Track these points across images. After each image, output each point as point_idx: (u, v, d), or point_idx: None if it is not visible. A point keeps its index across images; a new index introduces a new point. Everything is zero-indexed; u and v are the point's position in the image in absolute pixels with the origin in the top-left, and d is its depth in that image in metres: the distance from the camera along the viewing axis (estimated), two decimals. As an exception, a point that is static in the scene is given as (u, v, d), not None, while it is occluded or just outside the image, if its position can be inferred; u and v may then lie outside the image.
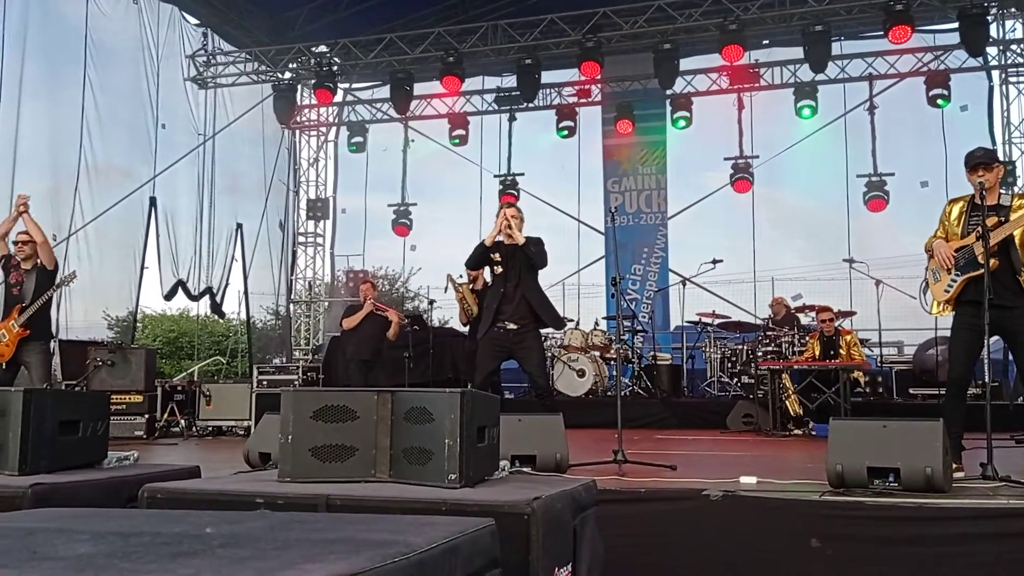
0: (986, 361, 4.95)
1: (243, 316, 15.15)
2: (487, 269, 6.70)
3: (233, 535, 1.88)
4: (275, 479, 3.10)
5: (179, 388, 9.87)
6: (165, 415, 9.37)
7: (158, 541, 1.79)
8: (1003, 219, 4.65)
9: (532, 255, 5.99)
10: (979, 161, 4.73)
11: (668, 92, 13.35)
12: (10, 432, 3.35)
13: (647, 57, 12.28)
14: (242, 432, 9.12)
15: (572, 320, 12.33)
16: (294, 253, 15.63)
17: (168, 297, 13.18)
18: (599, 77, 13.11)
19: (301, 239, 15.76)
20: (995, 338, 4.79)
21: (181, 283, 13.04)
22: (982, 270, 4.47)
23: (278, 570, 1.49)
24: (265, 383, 9.61)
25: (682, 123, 13.56)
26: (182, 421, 9.46)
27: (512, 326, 5.90)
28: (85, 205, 11.15)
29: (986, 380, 4.94)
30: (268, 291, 15.35)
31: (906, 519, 3.65)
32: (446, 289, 9.53)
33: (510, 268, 6.01)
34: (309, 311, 15.80)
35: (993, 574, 3.52)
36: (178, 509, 2.68)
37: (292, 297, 15.61)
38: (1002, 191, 4.88)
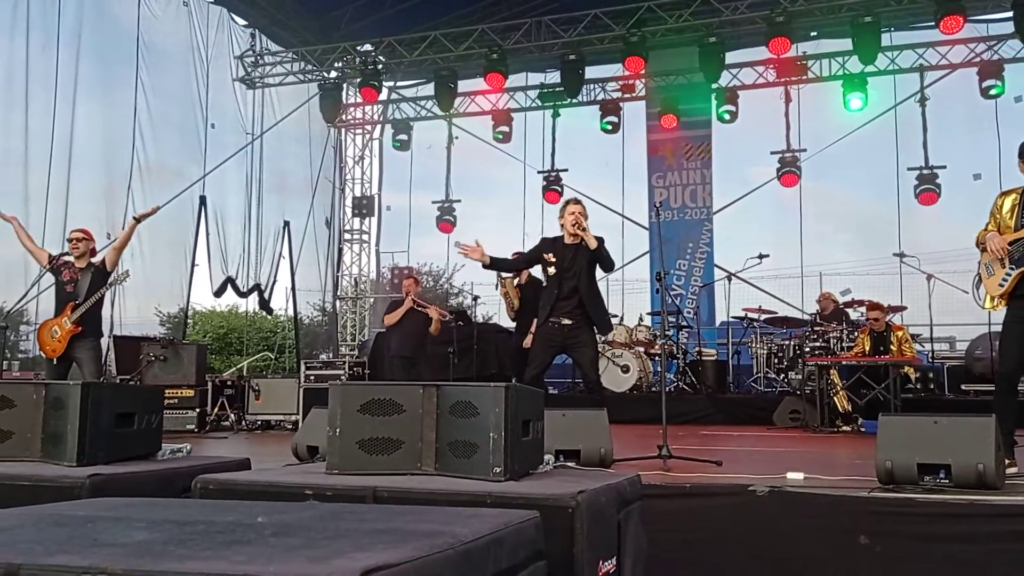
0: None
1: (290, 312, 15.42)
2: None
3: (284, 525, 1.93)
4: (323, 471, 3.15)
5: (229, 383, 10.06)
6: (215, 409, 9.56)
7: (212, 530, 1.84)
8: (1060, 211, 4.54)
9: (603, 259, 5.88)
10: None
11: (713, 86, 13.22)
12: (68, 424, 3.46)
13: (692, 51, 12.17)
14: (290, 426, 9.28)
15: (616, 316, 12.29)
16: (340, 250, 15.83)
17: (218, 294, 13.45)
18: (643, 72, 13.04)
19: (347, 236, 15.95)
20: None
21: (230, 280, 13.29)
22: (1038, 263, 4.37)
23: (328, 558, 1.53)
24: (312, 378, 9.74)
25: (727, 117, 13.44)
26: (232, 415, 9.64)
27: (567, 321, 5.87)
28: (138, 204, 11.40)
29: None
30: (315, 288, 15.58)
31: (957, 516, 3.59)
32: (497, 286, 9.52)
33: (568, 268, 5.90)
34: (355, 307, 15.98)
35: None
36: (230, 500, 2.74)
37: (338, 294, 15.81)
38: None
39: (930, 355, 11.23)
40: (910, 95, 13.23)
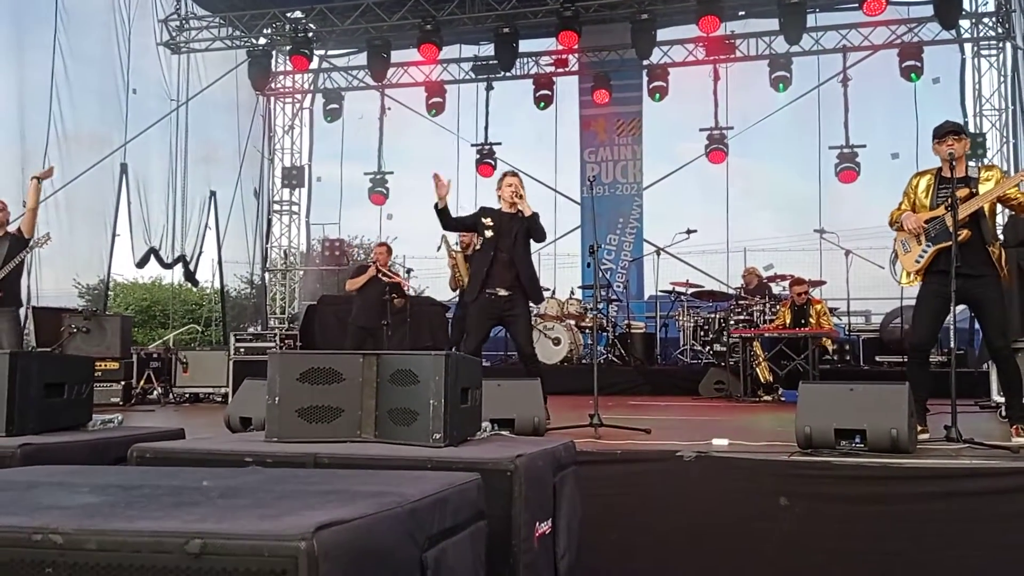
0: (952, 328, 5.10)
1: (217, 284, 15.11)
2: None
3: (230, 488, 1.95)
4: (262, 440, 3.16)
5: (155, 355, 9.87)
6: (142, 382, 9.37)
7: (158, 492, 1.86)
8: (973, 191, 4.75)
9: (537, 229, 5.99)
10: (950, 131, 4.83)
11: (645, 63, 13.37)
12: (-4, 394, 3.38)
13: (624, 27, 12.28)
14: (219, 399, 9.17)
15: (548, 289, 12.42)
16: (269, 221, 15.55)
17: (140, 265, 13.11)
18: (577, 47, 13.09)
19: (276, 207, 15.69)
20: (961, 308, 4.93)
21: (153, 251, 12.96)
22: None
23: (279, 516, 1.56)
24: (242, 351, 9.62)
25: (658, 94, 13.60)
26: (159, 388, 9.47)
27: (503, 292, 5.89)
28: (56, 172, 11.02)
29: (951, 347, 5.08)
30: (242, 259, 15.28)
31: (871, 478, 3.80)
32: (439, 248, 9.36)
33: (503, 235, 5.96)
34: (284, 279, 15.76)
35: (953, 531, 3.69)
36: (169, 467, 2.73)
37: (267, 265, 15.56)
38: (969, 163, 4.99)
39: (847, 328, 11.67)
40: (833, 75, 13.55)
